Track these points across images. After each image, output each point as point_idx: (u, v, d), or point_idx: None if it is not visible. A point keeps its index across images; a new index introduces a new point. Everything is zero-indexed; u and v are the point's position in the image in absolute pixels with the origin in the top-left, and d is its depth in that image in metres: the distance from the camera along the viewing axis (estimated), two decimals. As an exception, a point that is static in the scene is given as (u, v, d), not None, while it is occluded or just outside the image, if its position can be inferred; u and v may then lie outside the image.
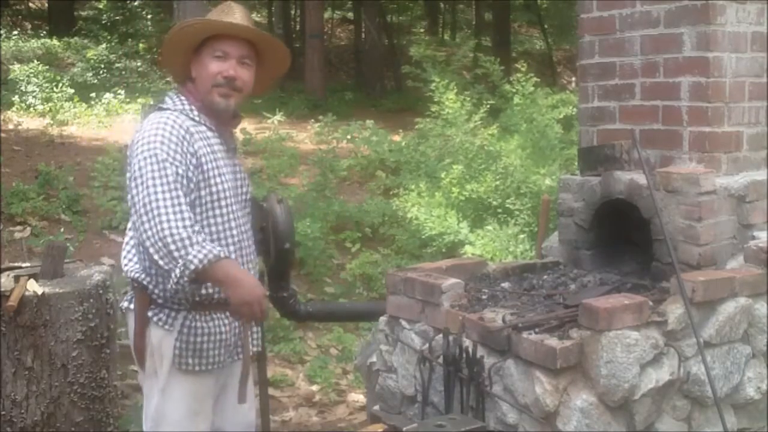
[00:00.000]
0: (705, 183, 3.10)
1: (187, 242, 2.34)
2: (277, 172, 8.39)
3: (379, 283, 6.24)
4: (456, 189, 6.74)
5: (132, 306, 2.67)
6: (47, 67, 11.70)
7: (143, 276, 2.60)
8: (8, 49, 12.66)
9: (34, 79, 10.85)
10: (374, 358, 3.45)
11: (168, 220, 2.36)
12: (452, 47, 15.54)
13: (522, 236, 6.11)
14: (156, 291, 2.59)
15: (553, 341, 2.65)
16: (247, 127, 9.86)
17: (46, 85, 10.80)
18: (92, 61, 13.17)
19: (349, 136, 9.58)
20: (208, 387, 2.68)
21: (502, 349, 2.77)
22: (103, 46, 13.78)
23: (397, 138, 9.77)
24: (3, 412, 3.44)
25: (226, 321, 2.67)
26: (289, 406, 4.69)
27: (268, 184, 7.64)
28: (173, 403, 2.62)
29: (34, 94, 10.49)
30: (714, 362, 2.87)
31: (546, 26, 18.14)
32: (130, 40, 14.61)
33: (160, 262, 2.36)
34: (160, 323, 2.59)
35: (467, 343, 2.84)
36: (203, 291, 2.59)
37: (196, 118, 2.63)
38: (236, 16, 2.62)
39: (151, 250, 2.36)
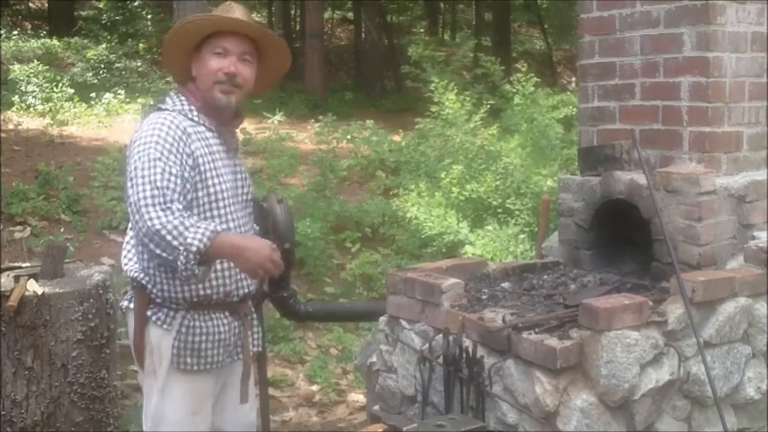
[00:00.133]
0: (705, 183, 3.10)
1: (180, 228, 2.34)
2: (277, 172, 8.39)
3: (379, 283, 6.24)
4: (456, 189, 6.74)
5: (132, 305, 2.67)
6: (47, 67, 11.71)
7: (142, 275, 2.60)
8: (8, 49, 12.66)
9: (34, 79, 10.86)
10: (374, 358, 3.45)
11: (158, 216, 2.36)
12: (452, 47, 15.54)
13: (522, 236, 6.11)
14: (155, 291, 2.59)
15: (553, 341, 2.65)
16: (247, 127, 9.86)
17: (46, 85, 10.80)
18: (92, 61, 13.18)
19: (349, 136, 9.58)
20: (207, 387, 2.68)
21: (502, 349, 2.77)
22: (103, 46, 13.79)
23: (397, 138, 9.77)
24: (3, 412, 3.44)
25: (225, 321, 2.67)
26: (289, 406, 4.69)
27: (268, 184, 7.64)
28: (172, 402, 2.63)
29: (34, 94, 10.49)
30: (714, 362, 2.87)
31: (546, 26, 18.14)
32: (130, 40, 14.62)
33: (163, 255, 2.36)
34: (159, 323, 2.60)
35: (467, 343, 2.84)
36: (201, 291, 2.59)
37: (195, 119, 2.63)
38: (236, 13, 2.62)
39: (152, 245, 2.37)
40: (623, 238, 3.53)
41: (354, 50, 17.95)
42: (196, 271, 2.37)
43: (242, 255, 2.44)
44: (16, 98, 10.21)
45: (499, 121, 8.45)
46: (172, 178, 2.44)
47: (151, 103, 7.17)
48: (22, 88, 10.64)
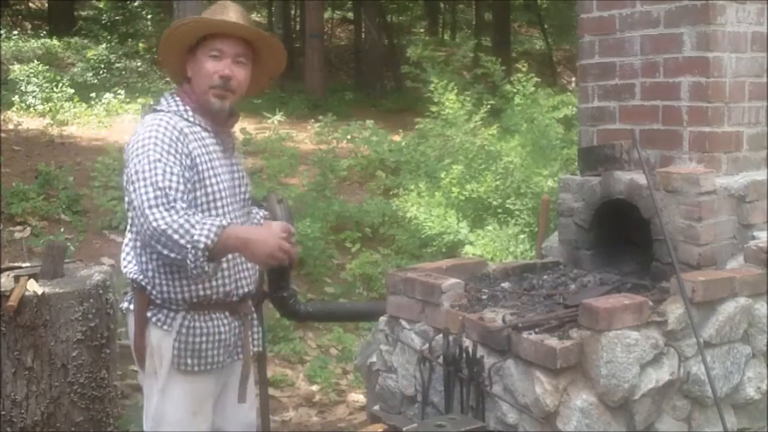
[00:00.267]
0: (705, 183, 3.10)
1: (187, 226, 2.34)
2: (277, 172, 8.39)
3: (379, 283, 6.24)
4: (456, 189, 6.74)
5: (132, 306, 2.67)
6: (47, 67, 11.71)
7: (141, 277, 2.60)
8: (8, 49, 12.66)
9: (34, 79, 10.86)
10: (374, 358, 3.45)
11: (162, 217, 2.35)
12: (452, 47, 15.54)
13: (522, 236, 6.10)
14: (154, 292, 2.59)
15: (553, 341, 2.64)
16: (247, 127, 9.87)
17: (46, 85, 10.80)
18: (92, 61, 13.18)
19: (349, 136, 9.58)
20: (207, 387, 2.68)
21: (502, 349, 2.77)
22: (103, 46, 13.79)
23: (397, 138, 9.77)
24: (3, 412, 3.45)
25: (225, 321, 2.67)
26: (289, 406, 4.69)
27: (268, 184, 7.64)
28: (173, 403, 2.63)
29: (34, 94, 10.49)
30: (714, 362, 2.87)
31: (546, 26, 18.14)
32: (130, 40, 14.62)
33: (171, 254, 2.36)
34: (159, 323, 2.60)
35: (467, 343, 2.84)
36: (201, 292, 2.59)
37: (191, 119, 2.62)
38: (231, 14, 2.60)
39: (159, 246, 2.36)
40: (623, 238, 3.53)
41: (354, 50, 17.95)
42: (206, 268, 2.36)
43: (250, 247, 2.43)
44: (16, 98, 10.21)
45: (500, 121, 8.45)
46: (174, 178, 2.44)
47: (151, 103, 7.17)
48: (22, 88, 10.64)
